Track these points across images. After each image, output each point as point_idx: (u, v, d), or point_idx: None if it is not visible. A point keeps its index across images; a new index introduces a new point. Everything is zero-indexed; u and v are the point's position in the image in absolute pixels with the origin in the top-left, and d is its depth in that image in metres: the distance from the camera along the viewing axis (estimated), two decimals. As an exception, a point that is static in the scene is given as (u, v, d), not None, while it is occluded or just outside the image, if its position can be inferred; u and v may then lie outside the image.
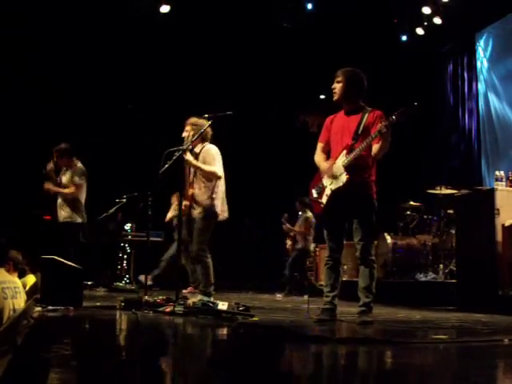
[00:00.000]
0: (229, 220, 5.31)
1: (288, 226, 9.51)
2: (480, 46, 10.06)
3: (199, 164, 5.06)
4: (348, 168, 3.93)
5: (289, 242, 9.65)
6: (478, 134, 9.99)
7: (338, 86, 4.10)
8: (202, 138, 5.16)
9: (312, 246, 9.33)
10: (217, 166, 5.11)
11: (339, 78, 4.09)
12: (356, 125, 4.01)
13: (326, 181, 4.09)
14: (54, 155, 6.54)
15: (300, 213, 9.29)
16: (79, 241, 6.41)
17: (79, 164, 6.54)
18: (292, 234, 9.51)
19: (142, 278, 8.23)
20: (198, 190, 5.13)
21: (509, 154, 9.08)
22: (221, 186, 5.18)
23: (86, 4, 8.98)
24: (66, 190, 6.41)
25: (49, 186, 6.46)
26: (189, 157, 4.93)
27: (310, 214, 8.98)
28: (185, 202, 5.20)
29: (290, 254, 9.33)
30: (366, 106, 4.13)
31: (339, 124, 4.14)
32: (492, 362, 2.60)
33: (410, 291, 6.98)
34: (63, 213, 6.44)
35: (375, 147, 3.90)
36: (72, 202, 6.44)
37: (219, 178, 5.10)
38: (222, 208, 5.16)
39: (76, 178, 6.42)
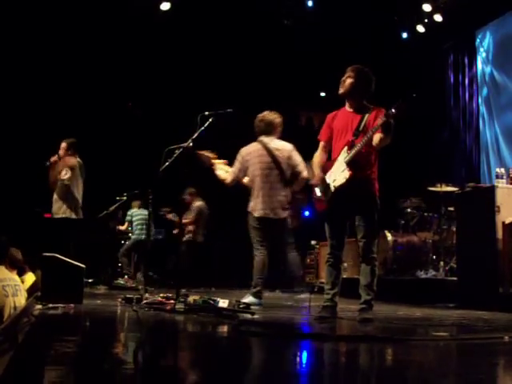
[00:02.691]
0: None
1: (171, 216, 9.12)
2: (480, 43, 10.04)
3: (217, 174, 5.47)
4: (350, 164, 3.92)
5: (176, 231, 8.97)
6: (478, 131, 9.99)
7: (347, 81, 4.09)
8: (263, 132, 5.57)
9: (202, 238, 8.84)
10: (230, 169, 5.44)
11: (350, 73, 4.09)
12: (358, 122, 4.01)
13: (328, 178, 4.08)
14: (61, 147, 6.55)
15: (193, 204, 8.99)
16: (75, 237, 6.40)
17: (77, 158, 6.59)
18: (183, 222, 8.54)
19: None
20: None
21: (509, 151, 9.07)
22: (256, 185, 5.36)
23: (87, 1, 8.97)
24: (64, 176, 6.40)
25: (56, 160, 6.42)
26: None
27: (201, 203, 8.88)
28: None
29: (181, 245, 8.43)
30: (369, 105, 4.12)
31: (343, 122, 4.12)
32: (492, 359, 2.60)
33: (411, 288, 6.98)
34: (57, 209, 6.44)
35: (376, 136, 3.84)
36: (66, 196, 6.42)
37: (225, 183, 5.42)
38: (253, 207, 5.36)
39: (68, 167, 6.45)
